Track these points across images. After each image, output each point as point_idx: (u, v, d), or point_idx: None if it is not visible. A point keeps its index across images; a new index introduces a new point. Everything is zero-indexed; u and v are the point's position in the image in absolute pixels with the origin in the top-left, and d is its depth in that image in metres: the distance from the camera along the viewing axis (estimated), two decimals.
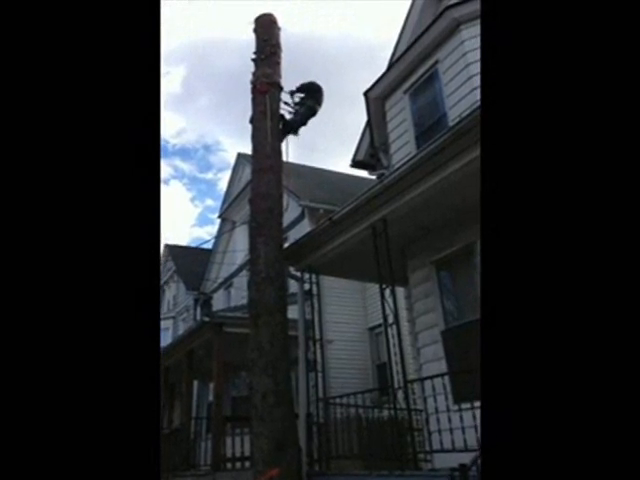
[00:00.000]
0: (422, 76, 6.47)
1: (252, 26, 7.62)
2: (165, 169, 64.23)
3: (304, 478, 5.28)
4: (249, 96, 7.08)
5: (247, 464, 7.71)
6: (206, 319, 9.37)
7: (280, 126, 6.94)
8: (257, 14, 7.53)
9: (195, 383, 12.36)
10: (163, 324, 19.54)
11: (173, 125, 62.20)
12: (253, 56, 7.39)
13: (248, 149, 7.10)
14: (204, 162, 69.88)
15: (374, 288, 9.00)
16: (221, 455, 8.11)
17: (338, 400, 5.61)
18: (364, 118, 7.75)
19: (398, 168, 4.80)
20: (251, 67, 7.28)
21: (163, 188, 60.12)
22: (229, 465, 8.16)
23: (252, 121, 6.96)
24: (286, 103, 7.25)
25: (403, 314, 6.82)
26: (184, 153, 66.74)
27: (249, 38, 7.52)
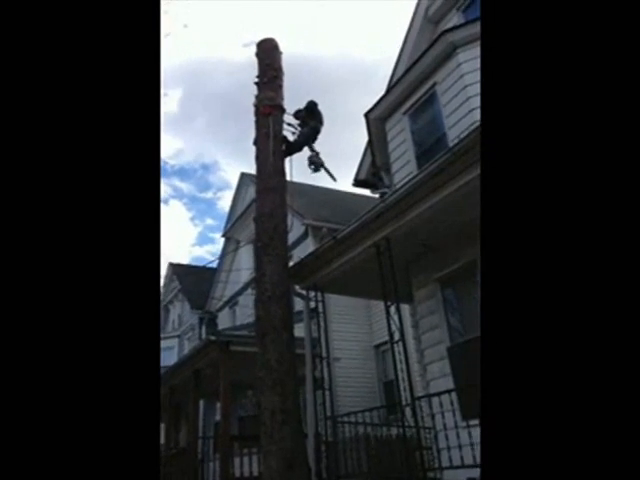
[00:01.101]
0: (421, 98, 6.64)
1: (254, 51, 7.84)
2: (164, 189, 64.72)
3: None
4: (245, 116, 7.28)
5: None
6: (212, 338, 9.40)
7: (283, 147, 7.10)
8: (258, 39, 7.75)
9: (201, 403, 12.34)
10: (168, 343, 19.54)
11: (171, 146, 62.84)
12: (256, 80, 7.59)
13: (247, 168, 7.30)
14: (203, 182, 70.43)
15: (379, 305, 9.05)
16: (230, 475, 8.10)
17: (346, 418, 5.65)
18: (364, 136, 7.90)
19: (400, 188, 4.92)
20: (247, 88, 7.48)
21: (163, 208, 60.32)
22: None
23: (256, 143, 7.13)
24: (289, 124, 7.43)
25: (409, 331, 6.88)
26: (183, 173, 67.34)
27: (244, 59, 7.77)
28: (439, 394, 4.47)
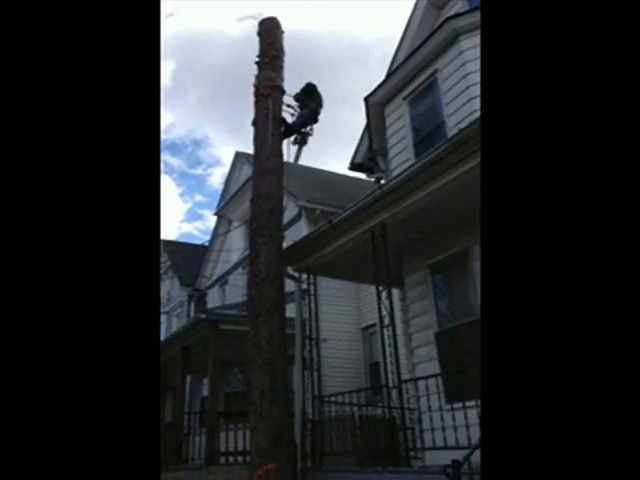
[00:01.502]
0: (422, 84, 6.64)
1: (256, 29, 7.76)
2: None
3: (299, 473, 5.44)
4: (239, 92, 7.32)
5: (240, 459, 7.84)
6: (202, 316, 9.46)
7: (282, 129, 7.09)
8: (255, 13, 7.87)
9: (188, 379, 12.47)
10: None
11: (163, 120, 62.07)
12: (256, 59, 7.53)
13: (239, 145, 7.33)
14: (193, 157, 69.68)
15: (368, 289, 9.17)
16: (215, 449, 8.25)
17: (333, 399, 5.77)
18: (360, 117, 7.93)
19: (398, 175, 4.96)
20: (242, 62, 7.45)
21: None
22: (222, 460, 8.28)
23: (254, 124, 7.10)
24: (288, 105, 7.40)
25: (397, 315, 7.00)
26: (173, 148, 66.54)
27: (239, 33, 7.70)
28: (425, 378, 4.59)
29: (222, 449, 8.44)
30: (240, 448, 7.86)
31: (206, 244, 18.72)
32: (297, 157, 7.50)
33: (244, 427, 7.32)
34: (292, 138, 7.29)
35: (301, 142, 7.35)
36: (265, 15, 7.74)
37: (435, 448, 4.39)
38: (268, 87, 7.11)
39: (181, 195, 68.83)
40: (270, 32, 7.51)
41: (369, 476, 4.72)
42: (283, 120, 7.15)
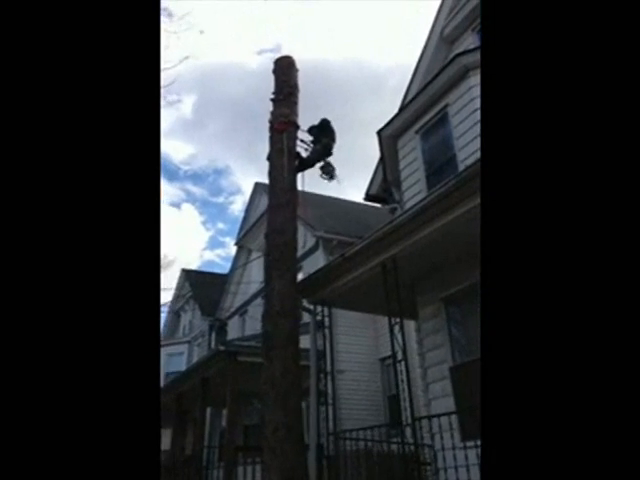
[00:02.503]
0: (433, 118, 6.73)
1: (272, 67, 8.02)
2: (177, 193, 65.40)
3: None
4: (258, 122, 7.43)
5: None
6: (221, 348, 9.53)
7: (296, 163, 7.22)
8: (272, 46, 8.02)
9: (208, 410, 12.45)
10: (178, 349, 19.72)
11: (185, 151, 63.82)
12: (272, 96, 7.76)
13: (259, 173, 7.45)
14: (215, 186, 71.28)
15: (385, 319, 9.10)
16: None
17: (348, 434, 5.70)
18: (374, 145, 7.98)
19: (408, 210, 5.00)
20: (260, 94, 7.65)
21: (175, 212, 60.87)
22: None
23: (269, 158, 7.26)
24: (302, 141, 7.56)
25: (413, 347, 6.93)
26: (196, 178, 68.23)
27: (257, 66, 7.94)
28: (439, 416, 4.51)
29: None
30: None
31: (226, 273, 18.92)
32: (331, 179, 7.46)
33: (262, 462, 7.26)
34: (320, 172, 7.38)
35: (329, 174, 7.41)
36: (283, 46, 8.01)
37: None
38: (283, 123, 7.29)
39: (203, 223, 70.05)
40: (285, 70, 7.74)
41: None
42: (297, 155, 7.29)
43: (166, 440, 13.67)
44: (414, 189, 6.84)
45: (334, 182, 7.43)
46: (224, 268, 26.90)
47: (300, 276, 8.58)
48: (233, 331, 15.56)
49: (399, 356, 5.02)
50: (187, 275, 22.29)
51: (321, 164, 7.35)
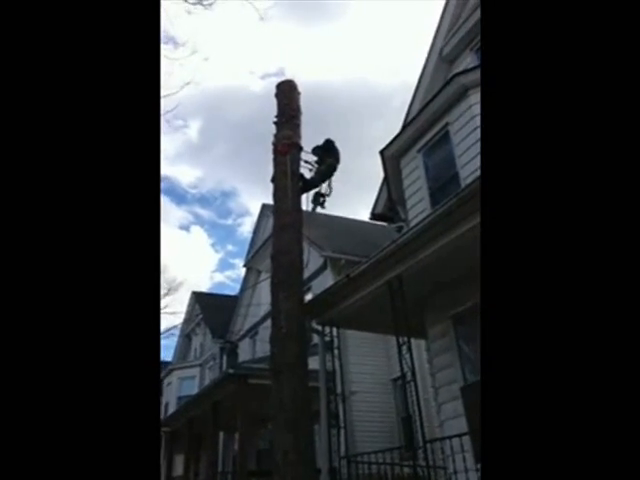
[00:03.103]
0: (434, 136, 6.76)
1: (274, 91, 8.15)
2: (186, 216, 65.94)
3: None
4: (263, 144, 7.50)
5: None
6: (231, 371, 9.51)
7: (300, 184, 7.28)
8: (275, 69, 8.15)
9: (221, 434, 12.35)
10: (190, 372, 19.66)
11: (192, 175, 64.66)
12: (275, 119, 7.87)
13: (265, 195, 7.48)
14: (223, 208, 71.90)
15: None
16: None
17: (360, 458, 5.62)
18: (378, 165, 8.00)
19: (411, 229, 5.00)
20: (264, 117, 7.74)
21: (184, 235, 61.18)
22: None
23: (273, 180, 7.33)
24: (306, 162, 7.62)
25: (425, 367, 6.84)
26: (203, 201, 68.90)
27: (260, 89, 8.06)
28: (450, 437, 4.44)
29: None
30: None
31: (236, 294, 18.91)
32: (314, 210, 7.61)
33: None
34: (310, 199, 7.44)
35: (317, 204, 7.49)
36: (286, 69, 8.15)
37: None
38: (286, 145, 7.37)
39: (212, 245, 70.39)
40: (287, 93, 7.86)
41: None
42: (301, 176, 7.35)
43: (179, 466, 13.57)
44: (418, 207, 6.85)
45: (317, 211, 7.53)
46: (234, 289, 26.92)
47: (309, 297, 8.55)
48: (244, 353, 15.50)
49: (408, 377, 4.97)
50: (197, 298, 22.33)
51: (316, 190, 7.41)
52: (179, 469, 13.60)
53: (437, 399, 5.82)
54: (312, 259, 9.72)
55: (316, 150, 7.69)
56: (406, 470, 5.65)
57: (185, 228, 66.33)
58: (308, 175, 7.52)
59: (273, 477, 5.40)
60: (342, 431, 6.03)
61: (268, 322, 14.41)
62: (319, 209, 7.49)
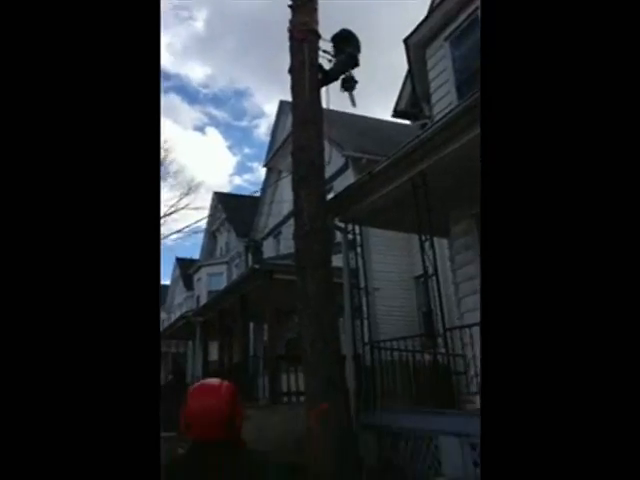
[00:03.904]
0: (463, 23, 6.24)
1: None
2: (199, 117, 64.34)
3: (352, 413, 5.75)
4: (275, 37, 7.05)
5: (301, 398, 8.36)
6: (256, 267, 9.87)
7: (319, 76, 6.90)
8: None
9: (251, 325, 13.19)
10: (217, 269, 20.56)
11: (202, 72, 61.68)
12: (289, 2, 7.27)
13: (281, 94, 7.19)
14: (238, 109, 69.45)
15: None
16: (277, 390, 8.84)
17: (383, 345, 5.96)
18: (402, 61, 7.56)
19: (434, 123, 4.82)
20: (275, 6, 7.22)
21: (199, 136, 60.26)
22: (285, 399, 8.86)
23: (291, 71, 6.91)
24: (325, 51, 7.15)
25: (447, 264, 6.99)
26: (217, 100, 66.42)
27: None
28: (470, 326, 4.65)
29: (284, 389, 9.04)
30: (301, 388, 8.38)
31: (257, 195, 19.04)
32: (353, 103, 7.24)
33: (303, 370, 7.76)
34: (340, 86, 7.06)
35: (349, 88, 7.11)
36: None
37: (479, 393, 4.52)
38: (303, 31, 6.88)
39: (230, 148, 69.46)
40: None
41: (421, 417, 4.95)
42: (320, 67, 6.95)
43: (214, 352, 14.73)
44: (444, 101, 6.53)
45: (355, 100, 7.15)
46: (254, 192, 26.98)
47: (331, 196, 8.55)
48: (268, 252, 15.97)
49: (430, 271, 5.10)
50: (219, 198, 22.61)
51: (343, 77, 6.99)
52: (214, 355, 14.79)
53: (458, 294, 6.02)
54: (333, 159, 9.56)
55: (335, 39, 7.20)
56: (427, 357, 6.00)
57: (200, 129, 65.09)
58: (327, 66, 7.11)
59: (301, 361, 5.82)
60: (365, 322, 6.34)
61: (291, 221, 14.65)
62: (348, 97, 7.08)
